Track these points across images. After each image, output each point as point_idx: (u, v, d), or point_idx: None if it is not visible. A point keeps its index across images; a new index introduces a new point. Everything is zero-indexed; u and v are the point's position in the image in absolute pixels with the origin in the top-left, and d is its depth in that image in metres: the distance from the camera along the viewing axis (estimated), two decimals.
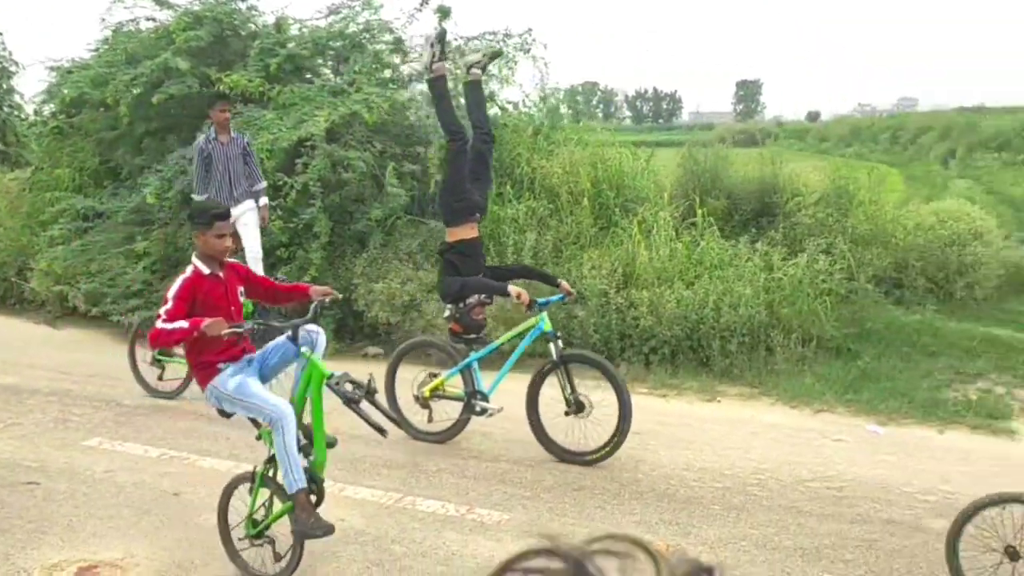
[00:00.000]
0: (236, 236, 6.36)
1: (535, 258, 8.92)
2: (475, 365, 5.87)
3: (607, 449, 5.53)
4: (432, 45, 6.03)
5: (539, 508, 5.03)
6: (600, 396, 5.58)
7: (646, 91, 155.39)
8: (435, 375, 6.03)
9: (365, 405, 3.93)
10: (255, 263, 7.47)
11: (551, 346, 5.64)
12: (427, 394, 5.92)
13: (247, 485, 4.17)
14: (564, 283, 5.91)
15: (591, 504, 5.08)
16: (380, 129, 9.58)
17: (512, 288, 5.60)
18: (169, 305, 3.91)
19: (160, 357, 7.02)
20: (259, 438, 4.14)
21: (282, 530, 4.16)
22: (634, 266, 8.42)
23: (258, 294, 4.53)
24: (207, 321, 3.85)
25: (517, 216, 9.14)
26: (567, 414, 5.62)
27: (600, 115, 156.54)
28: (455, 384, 5.96)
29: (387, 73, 11.43)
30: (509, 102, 11.14)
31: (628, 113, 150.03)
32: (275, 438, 3.90)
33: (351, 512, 4.95)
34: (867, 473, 5.43)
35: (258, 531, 4.12)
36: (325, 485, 4.18)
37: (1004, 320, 8.04)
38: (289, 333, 4.13)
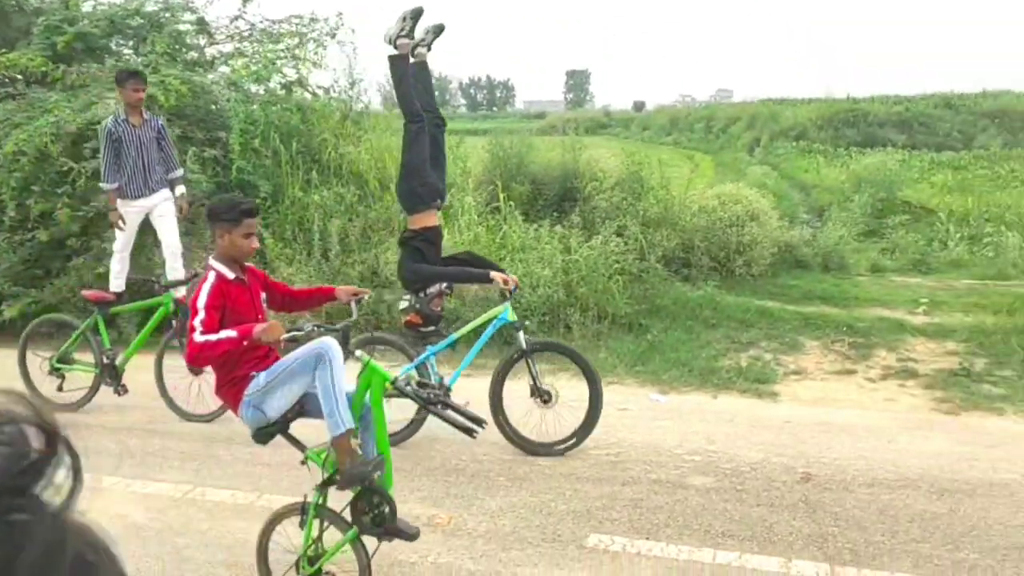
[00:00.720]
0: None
1: (343, 244, 8.94)
2: (432, 360, 5.62)
3: (575, 439, 5.52)
4: (404, 19, 5.62)
5: (329, 491, 5.09)
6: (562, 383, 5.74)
7: (480, 79, 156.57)
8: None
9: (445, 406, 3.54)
10: (174, 259, 6.94)
11: (519, 335, 5.56)
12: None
13: (291, 519, 3.71)
14: (500, 274, 5.55)
15: None
16: (181, 113, 9.27)
17: (495, 274, 5.47)
18: (202, 315, 3.44)
19: (59, 365, 6.51)
20: (304, 462, 3.68)
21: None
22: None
23: (275, 300, 3.99)
24: (260, 326, 3.45)
25: (324, 202, 9.10)
26: (544, 402, 5.55)
27: None
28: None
29: (192, 55, 11.06)
30: (320, 87, 11.06)
31: (463, 101, 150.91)
32: (321, 374, 3.46)
33: (135, 508, 4.86)
34: (643, 439, 5.84)
35: (316, 569, 3.64)
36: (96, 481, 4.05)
37: (776, 294, 8.81)
38: (295, 335, 3.60)
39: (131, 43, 10.65)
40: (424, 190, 5.59)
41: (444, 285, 5.54)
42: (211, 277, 3.59)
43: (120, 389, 6.45)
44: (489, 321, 5.65)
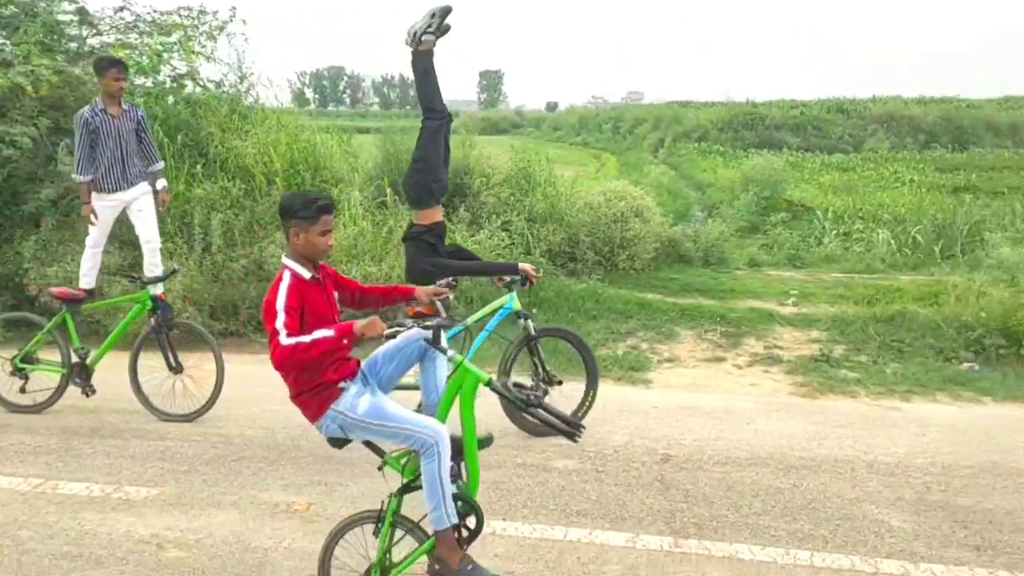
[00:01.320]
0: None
1: (226, 238, 8.80)
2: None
3: (576, 416, 5.61)
4: (433, 16, 5.55)
5: (193, 481, 5.04)
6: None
7: (392, 77, 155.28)
8: None
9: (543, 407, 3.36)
10: (152, 255, 6.59)
11: (527, 323, 5.72)
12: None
13: (362, 528, 3.52)
14: (527, 266, 5.75)
15: (246, 472, 5.17)
16: (54, 104, 8.98)
17: (522, 265, 5.69)
18: (283, 317, 3.21)
19: (23, 365, 6.23)
20: (382, 468, 3.51)
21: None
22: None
23: (346, 299, 3.73)
24: (362, 322, 3.24)
25: (208, 196, 8.94)
26: (548, 385, 5.66)
27: (347, 100, 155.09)
28: (416, 370, 5.73)
29: (72, 46, 10.68)
30: (210, 80, 10.86)
31: (375, 99, 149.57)
32: (426, 466, 3.27)
33: None
34: (511, 424, 5.93)
35: None
36: None
37: (656, 286, 9.07)
38: (420, 335, 3.49)
39: (3, 32, 10.22)
40: (437, 187, 5.64)
41: (451, 278, 5.53)
42: (287, 277, 3.36)
43: (88, 390, 6.21)
44: (496, 310, 5.76)
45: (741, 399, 6.55)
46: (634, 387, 6.94)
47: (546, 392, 3.03)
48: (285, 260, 3.43)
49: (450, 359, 3.41)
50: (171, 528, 4.45)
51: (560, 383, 5.75)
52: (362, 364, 3.57)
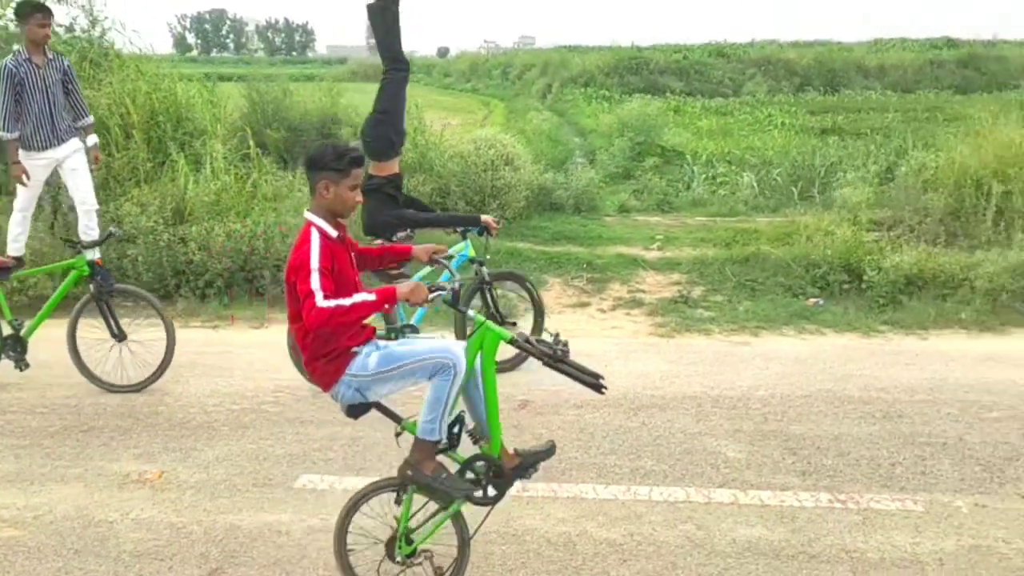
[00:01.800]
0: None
1: None
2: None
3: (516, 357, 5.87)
4: None
5: (33, 455, 4.86)
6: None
7: (277, 21, 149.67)
8: None
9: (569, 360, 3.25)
10: (88, 216, 6.17)
11: (481, 269, 5.91)
12: None
13: (381, 497, 3.39)
14: (488, 218, 5.87)
15: (95, 443, 5.02)
16: None
17: (484, 217, 5.78)
18: (318, 278, 3.04)
19: None
20: (399, 434, 3.40)
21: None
22: (185, 201, 8.27)
23: (361, 261, 3.54)
24: (406, 287, 3.14)
25: None
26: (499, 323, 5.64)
27: (231, 46, 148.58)
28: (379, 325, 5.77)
29: None
30: (59, 25, 10.20)
31: (260, 45, 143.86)
32: (439, 382, 3.18)
33: None
34: None
35: (413, 548, 3.37)
36: None
37: (527, 235, 9.16)
38: (441, 295, 3.30)
39: None
40: (398, 138, 5.69)
41: (409, 229, 5.66)
42: (315, 235, 3.17)
43: (22, 364, 5.81)
44: (451, 258, 5.76)
45: (602, 342, 6.75)
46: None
47: (563, 350, 2.97)
48: (310, 216, 3.25)
49: (470, 319, 3.35)
50: (6, 507, 4.29)
51: (514, 324, 5.91)
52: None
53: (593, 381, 3.15)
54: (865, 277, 7.29)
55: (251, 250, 7.75)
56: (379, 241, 5.66)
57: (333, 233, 3.23)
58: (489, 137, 9.84)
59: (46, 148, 6.07)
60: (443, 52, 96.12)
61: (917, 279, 7.21)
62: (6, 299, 5.88)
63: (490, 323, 3.27)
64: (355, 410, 3.35)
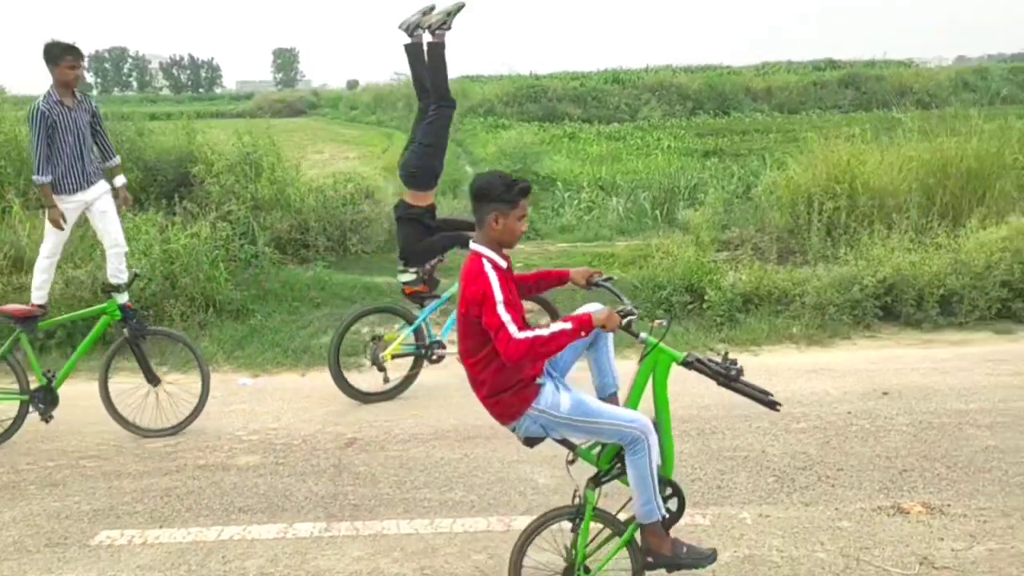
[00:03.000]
0: None
1: None
2: (427, 320, 6.25)
3: None
4: (449, 14, 5.98)
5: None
6: None
7: (181, 58, 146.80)
8: (379, 339, 6.21)
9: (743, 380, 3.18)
10: (119, 259, 5.99)
11: None
12: (388, 357, 6.08)
13: (556, 525, 3.35)
14: None
15: None
16: None
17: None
18: (506, 311, 3.01)
19: None
20: (572, 462, 3.36)
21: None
22: (23, 249, 8.01)
23: (520, 288, 3.45)
24: (601, 313, 3.10)
25: None
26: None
27: (135, 84, 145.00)
28: (409, 341, 6.18)
29: None
30: None
31: (164, 82, 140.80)
32: (636, 460, 3.14)
33: None
34: (212, 424, 5.83)
35: None
36: None
37: (387, 268, 9.13)
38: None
39: None
40: (440, 172, 6.14)
41: (441, 255, 6.17)
42: (488, 267, 3.14)
43: (48, 416, 5.64)
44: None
45: (446, 375, 6.75)
46: (346, 373, 6.98)
47: (737, 371, 2.97)
48: (479, 248, 3.21)
49: (642, 341, 3.29)
50: None
51: None
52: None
53: (766, 399, 3.14)
54: (706, 297, 7.51)
55: (94, 296, 7.53)
56: (413, 269, 6.14)
57: (503, 264, 3.22)
58: (347, 172, 9.82)
59: (76, 191, 5.93)
60: (352, 85, 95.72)
61: (754, 296, 7.47)
62: (33, 349, 5.75)
63: (663, 345, 3.26)
64: (532, 441, 3.36)
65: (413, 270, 6.15)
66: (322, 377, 6.90)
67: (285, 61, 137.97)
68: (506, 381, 3.19)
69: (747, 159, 16.92)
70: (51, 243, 5.98)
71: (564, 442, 3.34)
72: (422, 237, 6.04)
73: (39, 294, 5.94)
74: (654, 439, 3.17)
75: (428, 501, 4.61)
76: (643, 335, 3.29)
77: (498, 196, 3.18)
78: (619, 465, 3.28)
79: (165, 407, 5.79)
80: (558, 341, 3.03)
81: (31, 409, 5.64)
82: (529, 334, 2.99)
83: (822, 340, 7.03)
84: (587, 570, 3.34)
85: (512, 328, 2.99)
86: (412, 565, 3.98)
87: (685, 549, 3.27)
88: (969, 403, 5.61)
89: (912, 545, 3.93)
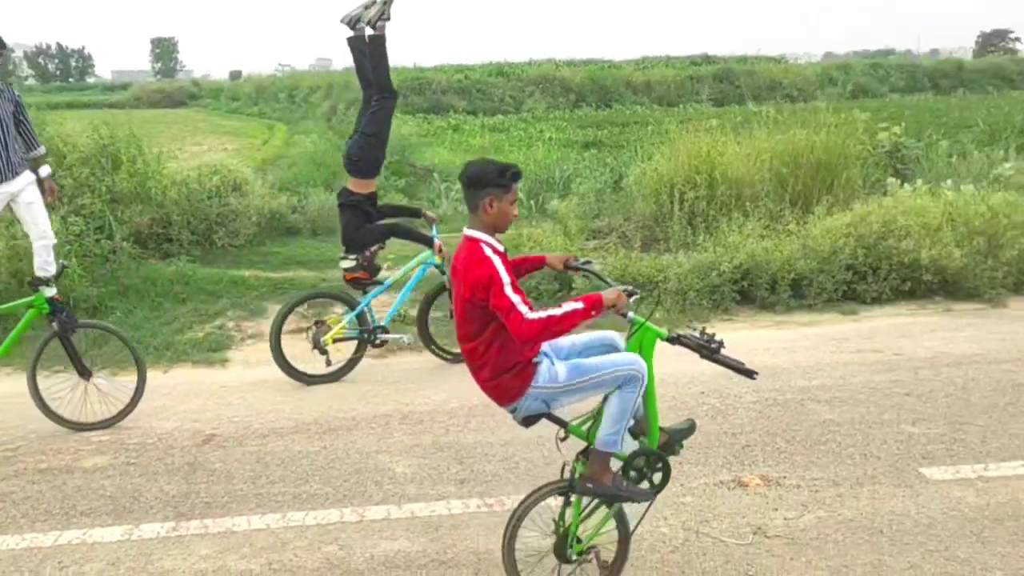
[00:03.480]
0: None
1: None
2: (369, 305, 6.41)
3: None
4: (386, 3, 6.10)
5: None
6: None
7: (49, 46, 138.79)
8: (322, 323, 6.34)
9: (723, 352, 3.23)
10: (47, 251, 5.84)
11: (445, 275, 6.48)
12: (330, 341, 6.23)
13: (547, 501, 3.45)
14: (428, 212, 6.80)
15: None
16: None
17: (436, 240, 6.46)
18: (514, 292, 3.07)
19: None
20: (564, 439, 3.44)
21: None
22: None
23: None
24: (611, 293, 3.18)
25: None
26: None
27: None
28: (352, 326, 6.34)
29: None
30: None
31: (30, 71, 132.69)
32: (624, 395, 3.22)
33: None
34: (53, 425, 5.56)
35: (585, 547, 3.45)
36: None
37: (256, 262, 8.95)
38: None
39: None
40: (383, 161, 6.38)
41: (381, 242, 6.38)
42: (488, 250, 3.18)
43: None
44: (418, 265, 6.57)
45: (314, 367, 6.65)
46: (210, 368, 6.81)
47: (718, 344, 3.14)
48: (475, 234, 3.25)
49: (630, 320, 3.36)
50: None
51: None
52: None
53: (744, 369, 3.23)
54: (573, 286, 7.65)
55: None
56: (353, 255, 6.28)
57: (500, 248, 3.25)
58: (215, 163, 9.52)
59: (1, 182, 5.75)
60: (235, 75, 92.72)
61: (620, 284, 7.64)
62: None
63: (649, 323, 3.35)
64: (530, 420, 3.43)
65: (353, 257, 6.29)
66: (184, 374, 6.71)
67: (164, 51, 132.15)
68: (506, 362, 3.26)
69: (623, 150, 17.31)
70: None
71: (554, 419, 3.41)
72: (362, 224, 6.23)
73: None
74: (646, 379, 3.27)
75: (282, 495, 4.54)
76: (630, 314, 3.39)
77: (492, 181, 3.24)
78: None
79: (97, 401, 5.66)
80: (571, 320, 3.09)
81: None
82: (542, 314, 3.06)
83: (682, 324, 7.27)
84: (579, 540, 3.45)
85: (523, 308, 3.05)
86: (260, 560, 3.91)
87: (625, 483, 3.38)
88: (812, 380, 5.92)
89: (748, 516, 4.13)
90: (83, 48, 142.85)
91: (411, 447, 5.10)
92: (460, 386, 6.08)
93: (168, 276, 8.32)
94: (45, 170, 6.13)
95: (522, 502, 3.43)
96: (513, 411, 3.40)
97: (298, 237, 9.89)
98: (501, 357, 3.25)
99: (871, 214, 7.66)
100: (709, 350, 3.23)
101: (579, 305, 3.13)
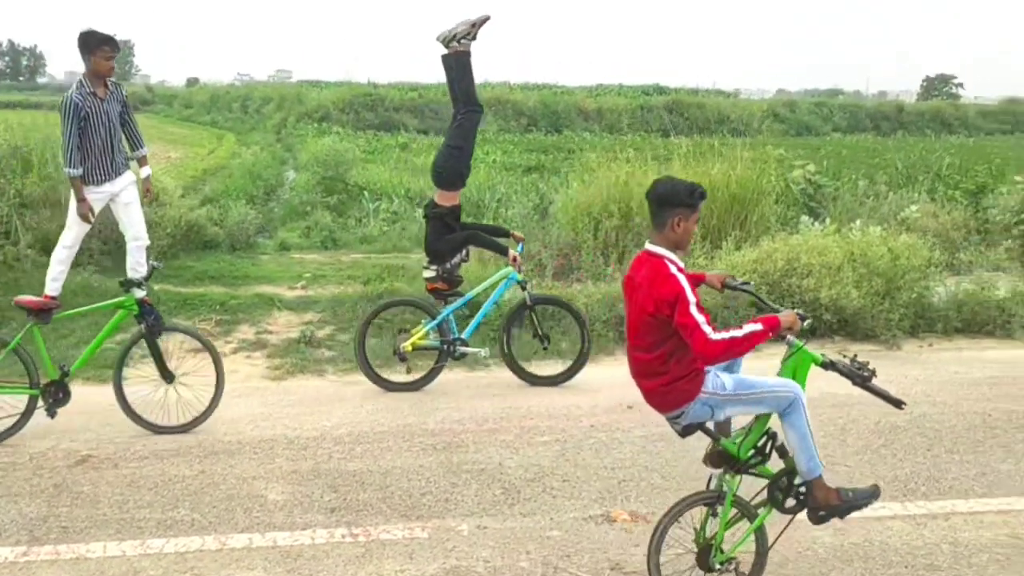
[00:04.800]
0: None
1: None
2: (450, 316, 6.47)
3: (569, 371, 6.67)
4: (474, 25, 6.27)
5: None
6: None
7: (0, 43, 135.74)
8: (406, 331, 6.50)
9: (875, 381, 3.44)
10: (140, 252, 6.14)
11: (525, 292, 6.61)
12: (409, 348, 6.38)
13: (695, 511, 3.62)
14: (515, 232, 6.84)
15: None
16: None
17: (511, 251, 6.48)
18: (699, 312, 3.26)
19: None
20: (716, 451, 3.64)
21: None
22: None
23: None
24: (787, 317, 3.41)
25: None
26: (541, 343, 6.73)
27: None
28: (433, 336, 6.45)
29: None
30: None
31: None
32: (794, 419, 3.45)
33: None
34: None
35: (727, 557, 3.60)
36: None
37: (168, 276, 8.71)
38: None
39: None
40: (467, 174, 6.52)
41: (464, 253, 6.49)
42: (674, 269, 3.39)
43: (54, 412, 5.49)
44: (501, 279, 6.61)
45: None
46: (102, 386, 6.61)
47: (870, 372, 3.39)
48: (658, 250, 3.44)
49: (789, 343, 3.53)
50: None
51: (545, 348, 6.78)
52: None
53: (894, 399, 3.46)
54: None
55: None
56: (435, 266, 6.38)
57: (682, 265, 3.43)
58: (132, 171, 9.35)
59: (104, 182, 5.98)
60: (192, 82, 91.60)
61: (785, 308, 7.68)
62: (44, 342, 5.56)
63: (806, 348, 3.53)
64: (689, 429, 3.60)
65: (435, 267, 6.40)
66: (75, 391, 6.52)
67: (120, 54, 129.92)
68: (684, 370, 3.44)
69: (562, 176, 17.47)
70: (73, 234, 6.04)
71: (708, 432, 3.60)
72: (443, 235, 6.37)
73: (54, 285, 6.00)
74: (804, 399, 3.47)
75: (146, 521, 4.43)
76: (789, 337, 3.54)
77: (682, 201, 3.41)
78: (756, 457, 3.59)
79: (177, 405, 5.60)
80: (752, 341, 3.28)
81: (40, 404, 5.49)
82: (725, 335, 3.24)
83: (589, 356, 7.29)
84: (721, 551, 3.59)
85: (707, 329, 3.23)
86: None
87: (851, 493, 3.59)
88: None
89: (609, 552, 4.14)
90: (35, 47, 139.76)
91: (289, 473, 5.03)
92: (354, 412, 6.03)
93: (72, 287, 8.11)
94: (146, 170, 6.38)
95: (668, 512, 3.57)
96: (677, 417, 3.56)
97: (216, 251, 9.76)
98: (679, 366, 3.44)
99: (777, 251, 7.79)
100: (862, 378, 3.42)
101: (758, 327, 3.31)
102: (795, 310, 3.51)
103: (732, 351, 3.28)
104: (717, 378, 3.50)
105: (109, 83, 5.99)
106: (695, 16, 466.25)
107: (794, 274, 7.64)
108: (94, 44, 5.80)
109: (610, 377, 6.70)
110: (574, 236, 8.90)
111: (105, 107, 5.90)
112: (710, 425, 3.60)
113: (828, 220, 8.79)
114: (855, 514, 4.22)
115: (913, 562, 4.08)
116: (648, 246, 3.49)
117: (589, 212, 8.83)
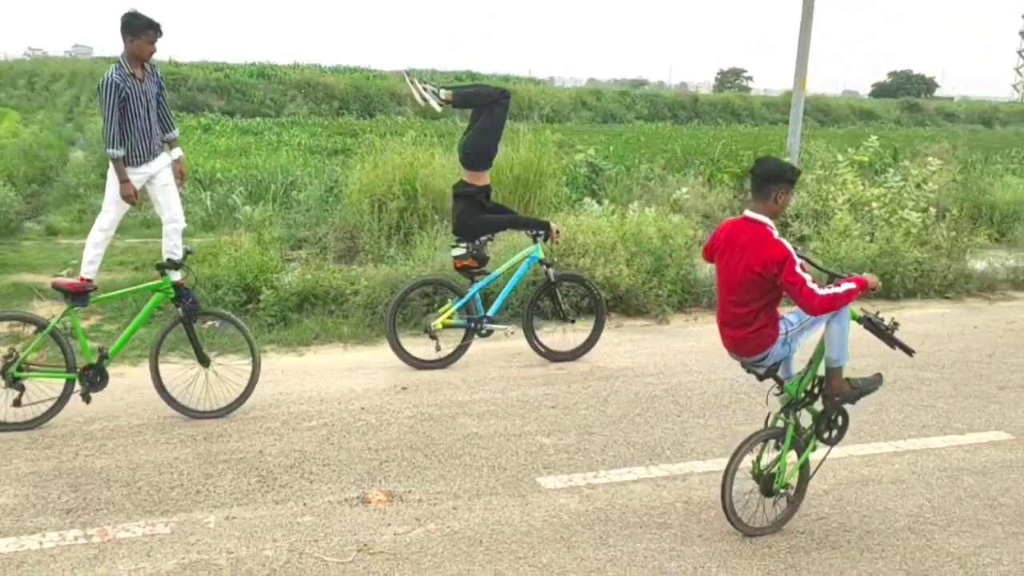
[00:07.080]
0: None
1: None
2: (477, 295, 6.61)
3: (587, 343, 6.95)
4: (426, 93, 6.62)
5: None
6: None
7: None
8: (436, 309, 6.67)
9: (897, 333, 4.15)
10: (177, 235, 6.14)
11: (549, 270, 6.77)
12: (439, 326, 6.47)
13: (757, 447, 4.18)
14: (554, 223, 6.94)
15: None
16: None
17: (553, 224, 6.81)
18: (804, 272, 3.83)
19: (19, 374, 5.21)
20: (780, 393, 4.25)
21: None
22: None
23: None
24: (872, 276, 4.05)
25: None
26: (564, 320, 6.93)
27: None
28: (460, 314, 6.59)
29: None
30: None
31: None
32: (840, 318, 4.01)
33: None
34: None
35: (784, 483, 4.20)
36: None
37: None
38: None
39: None
40: (495, 154, 6.67)
41: (493, 232, 6.81)
42: (776, 234, 3.91)
43: (88, 397, 5.39)
44: (524, 259, 6.80)
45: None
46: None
47: (895, 325, 4.20)
48: (760, 217, 3.97)
49: None
50: None
51: (573, 321, 6.95)
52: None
53: (909, 349, 4.21)
54: (261, 297, 7.42)
55: None
56: (464, 243, 6.53)
57: (776, 234, 3.92)
58: None
59: (142, 163, 5.96)
60: None
61: (310, 296, 7.52)
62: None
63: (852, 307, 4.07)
64: (770, 372, 4.17)
65: (464, 245, 6.52)
66: None
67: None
68: (767, 320, 4.01)
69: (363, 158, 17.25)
70: (110, 217, 6.01)
71: (775, 378, 4.21)
72: (476, 214, 6.53)
73: (90, 268, 5.95)
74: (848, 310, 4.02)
75: None
76: None
77: (787, 177, 3.98)
78: (807, 397, 4.19)
79: (215, 389, 5.54)
80: (849, 296, 3.88)
81: (77, 387, 5.37)
82: (828, 291, 3.83)
83: (369, 339, 7.26)
84: (781, 478, 4.17)
85: (813, 286, 3.78)
86: None
87: (859, 382, 4.18)
88: (473, 394, 6.09)
89: (359, 533, 4.13)
90: None
91: (27, 474, 4.68)
92: (111, 406, 5.69)
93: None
94: (178, 152, 6.29)
95: (737, 450, 4.08)
96: (761, 360, 4.11)
97: None
98: (764, 316, 3.99)
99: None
100: (887, 328, 4.13)
101: (853, 285, 3.90)
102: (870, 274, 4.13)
103: (836, 304, 3.85)
104: (784, 319, 4.09)
105: (146, 64, 5.96)
106: (514, 4, 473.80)
107: (571, 253, 7.92)
108: (139, 27, 5.79)
109: (389, 359, 6.69)
110: (359, 218, 8.80)
111: (143, 88, 5.89)
112: (780, 374, 4.20)
113: (607, 202, 9.18)
114: (612, 477, 4.54)
115: (648, 521, 4.34)
116: (749, 213, 4.02)
117: (373, 194, 8.75)
